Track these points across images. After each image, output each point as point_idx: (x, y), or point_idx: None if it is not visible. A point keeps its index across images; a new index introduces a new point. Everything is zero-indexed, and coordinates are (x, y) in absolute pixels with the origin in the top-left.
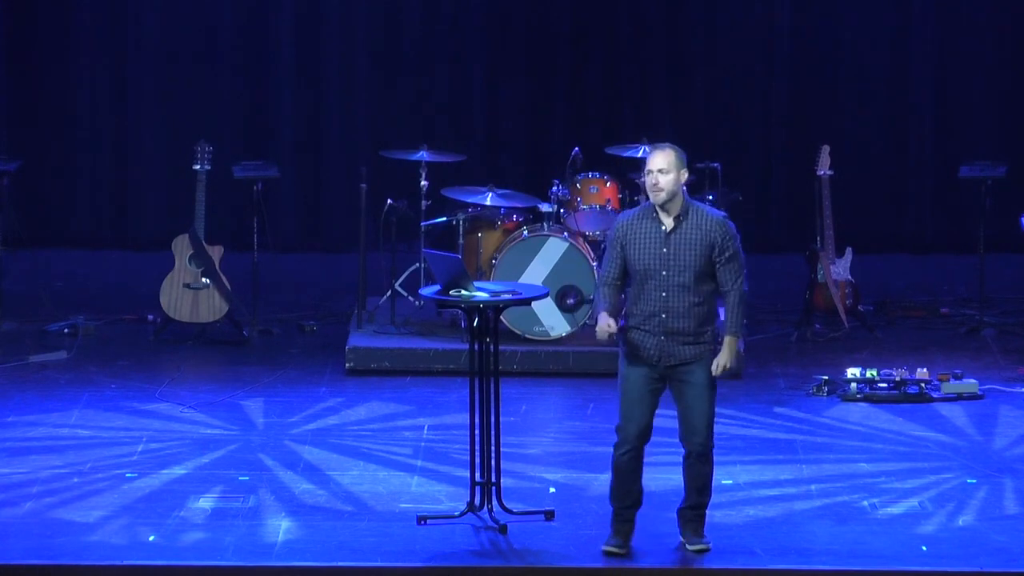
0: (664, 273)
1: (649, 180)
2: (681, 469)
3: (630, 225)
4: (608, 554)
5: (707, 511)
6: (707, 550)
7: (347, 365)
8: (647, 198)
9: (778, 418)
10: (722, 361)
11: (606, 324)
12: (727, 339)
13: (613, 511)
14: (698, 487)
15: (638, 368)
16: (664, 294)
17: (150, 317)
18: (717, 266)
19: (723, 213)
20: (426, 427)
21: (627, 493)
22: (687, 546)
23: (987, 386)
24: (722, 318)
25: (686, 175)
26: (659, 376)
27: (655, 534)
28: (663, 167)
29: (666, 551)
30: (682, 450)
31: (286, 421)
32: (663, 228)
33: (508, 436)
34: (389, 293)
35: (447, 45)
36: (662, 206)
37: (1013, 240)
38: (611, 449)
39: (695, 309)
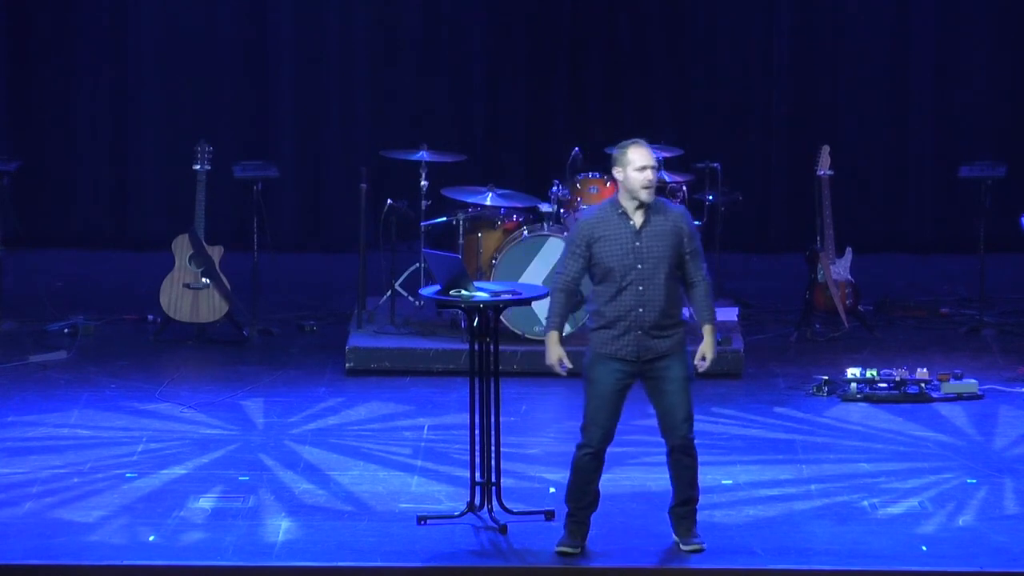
0: (640, 267)
1: (643, 176)
2: (667, 466)
3: (596, 224)
4: (562, 554)
5: (698, 508)
6: (701, 549)
7: (347, 365)
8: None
9: (778, 418)
10: (708, 353)
11: (557, 359)
12: (706, 328)
13: (568, 512)
14: (687, 481)
15: (610, 368)
16: (640, 288)
17: (150, 317)
18: (686, 258)
19: (681, 206)
20: (426, 427)
21: (584, 494)
22: (681, 546)
23: (987, 386)
24: (686, 311)
25: None
26: (631, 374)
27: (657, 534)
28: (655, 164)
29: (667, 551)
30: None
31: (286, 421)
32: (632, 223)
33: (508, 436)
34: (389, 293)
35: (447, 45)
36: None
37: (1013, 240)
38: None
39: (669, 301)
